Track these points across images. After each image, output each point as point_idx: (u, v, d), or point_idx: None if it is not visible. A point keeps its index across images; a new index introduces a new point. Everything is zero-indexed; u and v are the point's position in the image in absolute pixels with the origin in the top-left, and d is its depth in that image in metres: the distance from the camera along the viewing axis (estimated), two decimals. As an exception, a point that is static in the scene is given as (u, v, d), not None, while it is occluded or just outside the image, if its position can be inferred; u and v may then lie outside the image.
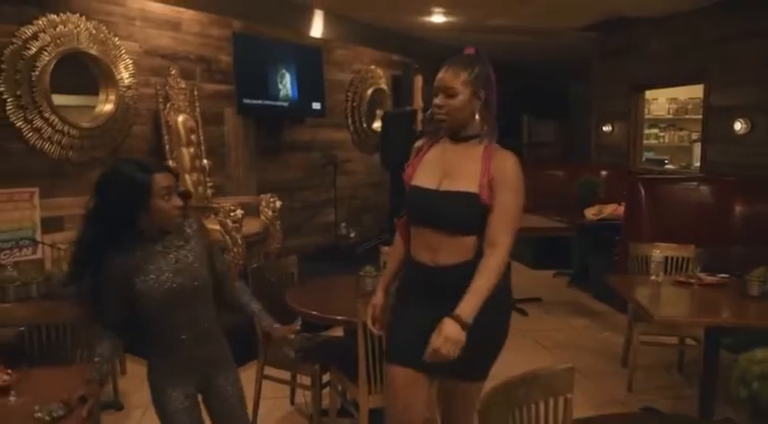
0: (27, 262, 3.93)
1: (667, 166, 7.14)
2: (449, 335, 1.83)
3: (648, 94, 7.27)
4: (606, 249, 5.34)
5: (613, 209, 5.75)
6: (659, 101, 7.53)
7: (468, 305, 1.86)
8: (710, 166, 5.88)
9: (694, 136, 6.93)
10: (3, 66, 3.87)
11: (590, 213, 5.94)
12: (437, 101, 2.00)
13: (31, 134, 4.03)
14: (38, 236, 4.08)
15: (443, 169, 2.03)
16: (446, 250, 1.98)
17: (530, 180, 6.53)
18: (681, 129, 7.47)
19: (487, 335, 2.01)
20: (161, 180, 1.83)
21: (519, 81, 9.57)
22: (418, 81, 7.37)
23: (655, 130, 7.65)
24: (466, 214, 1.96)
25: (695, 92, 6.37)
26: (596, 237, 5.70)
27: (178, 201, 1.87)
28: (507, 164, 1.96)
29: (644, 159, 7.27)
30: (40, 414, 1.68)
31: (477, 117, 1.99)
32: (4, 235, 3.96)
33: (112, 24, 4.47)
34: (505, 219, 1.94)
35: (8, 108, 3.91)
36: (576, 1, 5.84)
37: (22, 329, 2.63)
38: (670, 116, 7.52)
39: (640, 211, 5.09)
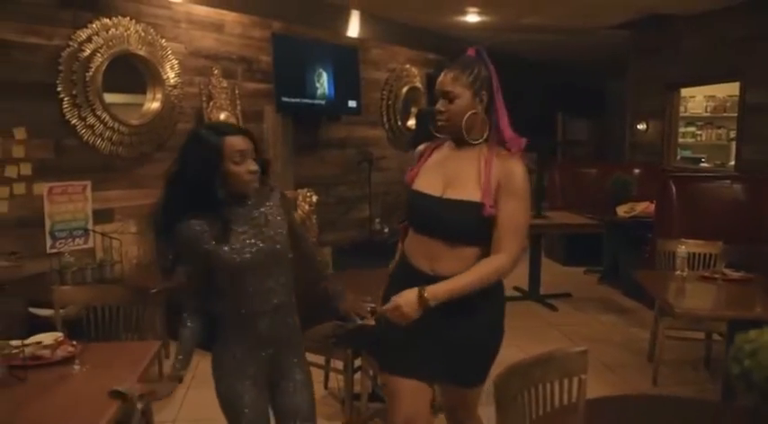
0: (80, 251, 4.19)
1: (702, 165, 7.10)
2: (403, 304, 1.84)
3: (685, 92, 7.24)
4: (637, 246, 5.39)
5: (645, 207, 5.80)
6: (697, 98, 7.48)
7: (440, 289, 1.86)
8: (745, 165, 5.86)
9: (732, 134, 6.88)
10: (60, 68, 4.12)
11: (622, 211, 5.99)
12: (438, 106, 1.96)
13: (84, 130, 4.29)
14: (89, 226, 4.35)
15: (446, 175, 1.98)
16: (446, 259, 1.94)
17: (562, 177, 6.65)
18: (719, 127, 7.41)
19: (482, 342, 2.03)
20: (234, 143, 1.77)
21: (553, 79, 9.59)
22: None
23: (692, 129, 7.61)
24: (468, 223, 1.92)
25: (733, 89, 6.31)
26: (627, 235, 5.74)
27: (251, 165, 1.79)
28: (514, 171, 1.92)
29: (679, 158, 7.24)
30: (121, 389, 1.76)
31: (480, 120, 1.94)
32: (60, 226, 4.23)
33: (160, 27, 4.71)
34: (512, 227, 1.91)
35: (64, 106, 4.17)
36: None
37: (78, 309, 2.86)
38: (708, 114, 7.47)
39: (671, 209, 5.12)
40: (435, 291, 1.84)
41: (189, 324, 1.90)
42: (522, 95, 9.31)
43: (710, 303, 3.23)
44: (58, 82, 4.12)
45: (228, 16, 5.25)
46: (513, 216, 1.91)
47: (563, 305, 5.25)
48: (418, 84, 7.52)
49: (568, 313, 5.09)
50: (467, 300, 1.90)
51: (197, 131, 1.83)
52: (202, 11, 5.04)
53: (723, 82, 6.46)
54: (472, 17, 6.75)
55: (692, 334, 3.82)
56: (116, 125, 4.43)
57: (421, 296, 1.83)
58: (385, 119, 7.22)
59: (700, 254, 3.85)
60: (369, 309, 2.05)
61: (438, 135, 2.03)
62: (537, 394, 1.91)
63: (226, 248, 1.79)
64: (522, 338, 3.88)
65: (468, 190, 1.92)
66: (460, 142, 1.98)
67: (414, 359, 2.00)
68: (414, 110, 7.43)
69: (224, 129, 1.82)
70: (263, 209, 1.88)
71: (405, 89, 7.28)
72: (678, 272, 3.50)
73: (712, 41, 6.16)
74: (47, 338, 2.16)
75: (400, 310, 1.84)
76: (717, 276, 3.42)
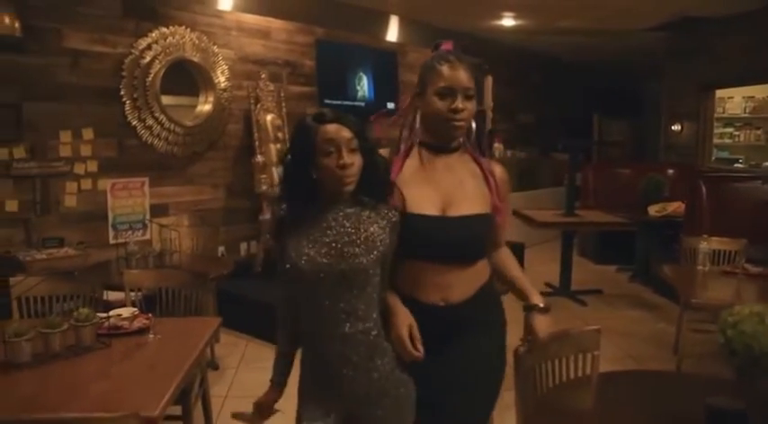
0: (138, 242, 4.55)
1: (737, 166, 7.14)
2: (547, 325, 1.79)
3: (723, 93, 7.28)
4: (668, 245, 5.50)
5: (676, 207, 5.90)
6: (735, 99, 7.50)
7: (537, 294, 1.81)
8: (780, 165, 5.92)
9: (771, 134, 6.92)
10: (123, 73, 4.50)
11: (653, 210, 6.11)
12: (458, 104, 1.68)
13: (143, 131, 4.65)
14: (147, 220, 4.72)
15: (440, 190, 1.74)
16: (461, 283, 1.75)
17: (596, 177, 6.79)
18: (757, 128, 7.42)
19: (483, 371, 1.80)
20: (328, 131, 1.54)
21: (591, 80, 9.69)
22: (489, 81, 7.64)
23: (730, 129, 7.63)
24: (481, 238, 1.78)
25: (770, 90, 6.37)
26: (659, 234, 5.86)
27: (346, 158, 1.53)
28: (504, 175, 1.85)
29: (713, 158, 7.29)
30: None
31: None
32: (121, 218, 4.61)
33: (212, 34, 5.05)
34: (506, 227, 1.89)
35: (126, 109, 4.54)
36: (644, 3, 6.00)
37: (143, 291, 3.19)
38: (746, 114, 7.48)
39: (701, 208, 5.25)
40: (539, 297, 1.80)
41: (281, 329, 1.75)
42: (560, 97, 9.48)
43: (729, 295, 3.39)
44: (121, 86, 4.50)
45: (275, 23, 5.58)
46: (509, 216, 2.01)
47: (593, 301, 5.41)
48: (454, 86, 7.72)
49: (598, 308, 5.25)
50: (468, 331, 1.76)
51: (303, 117, 1.64)
52: (251, 19, 5.37)
53: (758, 83, 6.53)
54: (508, 21, 6.94)
55: (716, 327, 3.95)
56: (172, 126, 4.79)
57: (545, 310, 1.78)
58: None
59: (724, 251, 3.98)
60: None
61: (450, 141, 1.77)
62: (553, 367, 2.13)
63: (300, 250, 1.58)
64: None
65: (472, 203, 1.75)
66: (437, 149, 1.78)
67: (438, 403, 1.72)
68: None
69: (324, 116, 1.58)
70: (354, 218, 1.60)
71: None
72: (700, 267, 3.67)
73: (746, 43, 6.23)
74: (125, 311, 2.49)
75: (547, 329, 1.79)
76: (738, 271, 3.57)
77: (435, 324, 1.69)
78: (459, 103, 1.67)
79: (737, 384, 1.69)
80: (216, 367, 3.91)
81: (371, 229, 1.60)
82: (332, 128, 1.54)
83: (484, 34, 7.69)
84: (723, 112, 7.51)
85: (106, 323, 2.32)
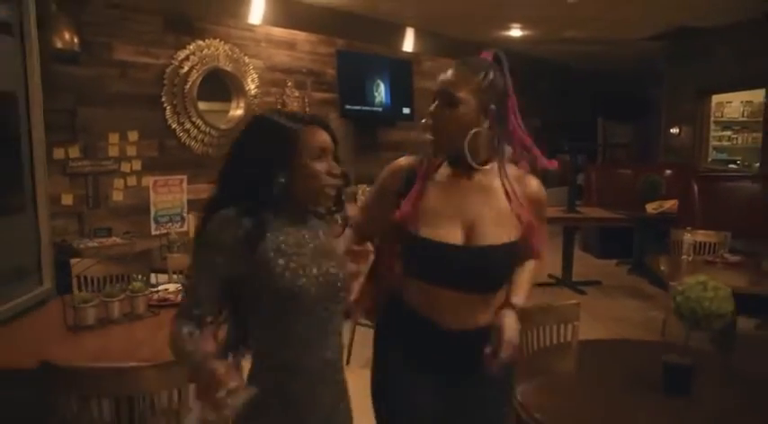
0: (177, 233, 5.04)
1: (731, 166, 7.52)
2: (515, 326, 1.58)
3: (722, 98, 7.67)
4: (662, 239, 5.90)
5: (672, 204, 6.32)
6: (733, 104, 7.89)
7: (522, 295, 1.66)
8: (769, 167, 6.31)
9: (768, 138, 7.28)
10: (164, 82, 4.99)
11: (651, 207, 6.52)
12: (431, 108, 1.58)
13: (182, 134, 5.14)
14: (185, 213, 5.21)
15: (463, 215, 1.59)
16: (480, 311, 1.63)
17: (598, 177, 7.24)
18: (754, 132, 7.78)
19: (502, 398, 1.74)
20: (316, 135, 1.41)
21: (596, 86, 10.09)
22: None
23: (728, 132, 8.01)
24: (507, 268, 1.64)
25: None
26: (654, 229, 6.27)
27: (336, 168, 1.43)
28: (540, 194, 1.67)
29: (710, 159, 7.67)
30: None
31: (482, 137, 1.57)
32: (161, 212, 5.10)
33: (243, 46, 5.55)
34: (540, 252, 1.69)
35: (167, 114, 5.03)
36: (641, 14, 6.39)
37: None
38: (744, 118, 7.85)
39: (693, 205, 5.67)
40: (519, 298, 1.65)
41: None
42: (566, 102, 9.89)
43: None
44: (162, 94, 4.99)
45: (300, 36, 6.07)
46: (545, 232, 1.70)
47: (592, 291, 5.84)
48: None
49: (595, 297, 5.67)
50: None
51: (264, 115, 1.46)
52: (278, 32, 5.86)
53: (751, 88, 6.91)
54: (515, 32, 7.38)
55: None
56: (207, 129, 5.28)
57: (516, 308, 1.63)
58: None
59: (708, 243, 4.39)
60: None
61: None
62: (537, 334, 2.56)
63: (281, 261, 1.37)
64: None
65: (499, 230, 1.59)
66: (463, 166, 1.59)
67: None
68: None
69: (303, 118, 1.44)
70: (322, 229, 1.49)
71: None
72: (684, 256, 4.09)
73: (740, 51, 6.62)
74: (171, 287, 2.96)
75: (515, 332, 1.58)
76: (717, 259, 3.99)
77: (452, 351, 1.62)
78: (433, 108, 1.60)
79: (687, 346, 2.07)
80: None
81: (334, 242, 1.51)
82: (320, 133, 1.43)
83: (493, 43, 8.13)
84: (722, 116, 7.90)
85: (155, 296, 2.79)
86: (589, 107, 10.06)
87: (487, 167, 1.60)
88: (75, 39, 4.26)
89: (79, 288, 3.27)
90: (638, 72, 9.29)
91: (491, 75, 1.58)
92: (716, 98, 7.70)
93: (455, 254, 1.56)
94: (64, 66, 4.28)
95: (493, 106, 1.56)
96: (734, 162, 7.72)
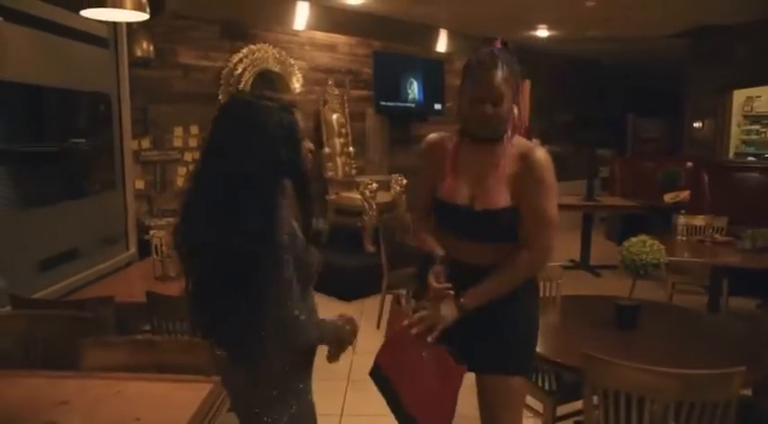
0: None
1: (750, 159, 7.81)
2: (445, 315, 1.79)
3: (751, 92, 7.91)
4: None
5: (687, 194, 6.71)
6: (762, 98, 8.11)
7: (475, 295, 1.81)
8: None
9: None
10: (221, 82, 5.70)
11: (668, 197, 6.92)
12: (486, 110, 1.75)
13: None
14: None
15: (470, 181, 1.85)
16: (488, 254, 1.86)
17: (622, 169, 7.73)
18: (783, 125, 8.02)
19: (514, 329, 1.91)
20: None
21: (627, 81, 10.43)
22: (526, 84, 8.56)
23: (757, 126, 8.26)
24: (502, 228, 1.84)
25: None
26: (668, 217, 6.65)
27: (308, 143, 1.59)
28: (534, 159, 1.80)
29: (737, 152, 7.95)
30: None
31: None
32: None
33: (289, 49, 6.21)
34: (539, 221, 1.81)
35: (223, 110, 5.74)
36: (660, 14, 6.77)
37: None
38: (775, 112, 8.08)
39: (703, 193, 6.07)
40: (468, 297, 1.81)
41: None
42: (597, 97, 10.27)
43: (691, 255, 4.28)
44: (219, 92, 5.70)
45: (340, 39, 6.71)
46: (539, 208, 1.81)
47: (606, 273, 6.30)
48: (496, 89, 8.68)
49: (609, 278, 6.13)
50: (506, 296, 1.85)
51: (260, 104, 1.49)
52: (320, 35, 6.52)
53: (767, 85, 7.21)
54: (542, 32, 7.85)
55: (699, 289, 4.80)
56: (257, 123, 5.96)
57: (459, 305, 1.80)
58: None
59: (703, 226, 4.82)
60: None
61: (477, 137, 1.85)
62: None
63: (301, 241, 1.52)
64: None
65: (496, 197, 1.82)
66: (478, 138, 1.85)
67: (474, 358, 1.86)
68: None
69: (285, 104, 1.56)
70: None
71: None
72: (679, 237, 4.56)
73: (759, 47, 6.93)
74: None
75: (438, 315, 1.78)
76: (707, 240, 4.45)
77: (470, 281, 1.82)
78: (488, 110, 1.75)
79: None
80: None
81: None
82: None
83: (523, 42, 8.61)
84: (751, 111, 8.15)
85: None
86: (620, 102, 10.41)
87: (501, 142, 1.82)
88: (151, 48, 4.98)
89: (156, 254, 3.97)
90: (666, 68, 9.59)
91: (513, 66, 1.78)
92: (745, 92, 7.96)
93: (461, 214, 1.83)
94: (139, 71, 5.01)
95: (512, 86, 1.78)
96: (762, 155, 7.93)
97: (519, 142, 1.85)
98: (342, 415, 3.24)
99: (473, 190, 1.82)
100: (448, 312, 1.77)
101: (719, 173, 6.13)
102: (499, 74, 1.72)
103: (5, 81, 2.81)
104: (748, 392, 2.40)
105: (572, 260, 6.65)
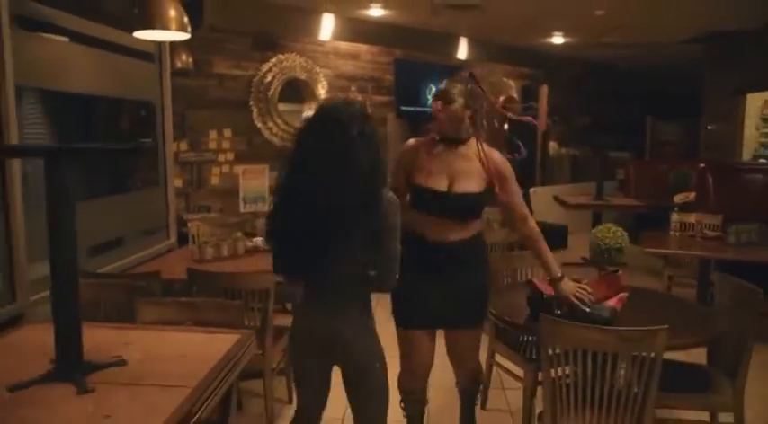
0: (261, 212, 6.22)
1: (761, 161, 8.01)
2: (571, 285, 2.47)
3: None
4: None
5: (695, 195, 6.97)
6: (780, 101, 8.32)
7: (557, 267, 2.47)
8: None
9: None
10: (251, 89, 6.19)
11: (678, 198, 7.19)
12: (436, 106, 2.42)
13: (265, 131, 6.33)
14: (267, 196, 6.39)
15: (450, 172, 2.40)
16: (457, 231, 2.42)
17: (636, 171, 8.08)
18: (801, 129, 8.17)
19: (480, 292, 2.51)
20: None
21: (646, 85, 10.65)
22: (544, 89, 8.91)
23: (774, 129, 8.44)
24: (474, 208, 2.46)
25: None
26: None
27: None
28: (500, 160, 2.45)
29: (753, 155, 8.15)
30: None
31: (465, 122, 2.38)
32: (249, 195, 6.28)
33: (315, 58, 6.69)
34: (519, 199, 2.50)
35: (254, 115, 6.23)
36: (673, 20, 7.01)
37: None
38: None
39: (708, 193, 6.34)
40: (556, 271, 2.46)
41: None
42: (615, 101, 10.52)
43: (680, 249, 4.61)
44: (250, 99, 6.19)
45: (362, 48, 7.16)
46: (515, 191, 2.50)
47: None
48: (514, 94, 9.04)
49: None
50: (463, 263, 2.45)
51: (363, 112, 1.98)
52: (344, 45, 6.98)
53: (779, 88, 7.43)
54: (558, 39, 8.18)
55: (692, 281, 5.11)
56: (285, 127, 6.44)
57: (557, 286, 2.45)
58: (485, 123, 8.82)
59: (697, 223, 5.12)
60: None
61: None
62: (513, 274, 3.50)
63: None
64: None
65: (471, 184, 2.40)
66: (452, 141, 2.43)
67: (427, 314, 2.46)
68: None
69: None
70: None
71: (501, 99, 8.84)
72: (672, 232, 4.89)
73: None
74: (259, 240, 4.08)
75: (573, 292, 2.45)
76: (698, 235, 4.77)
77: (439, 256, 2.41)
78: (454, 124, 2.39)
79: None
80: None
81: None
82: None
83: (541, 48, 8.96)
84: (769, 115, 8.34)
85: (251, 244, 3.92)
86: (638, 106, 10.65)
87: (467, 144, 2.42)
88: (189, 59, 5.48)
89: (194, 242, 4.47)
90: (684, 71, 9.82)
91: (469, 84, 2.39)
92: (763, 96, 8.14)
93: (441, 196, 2.38)
94: (179, 80, 5.52)
95: (472, 104, 2.39)
96: (772, 157, 8.13)
97: (484, 147, 2.43)
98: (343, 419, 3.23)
99: (451, 180, 2.39)
100: (567, 287, 2.46)
101: (724, 174, 6.39)
102: (452, 84, 2.40)
103: (71, 93, 3.33)
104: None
105: (583, 258, 6.97)
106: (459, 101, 2.35)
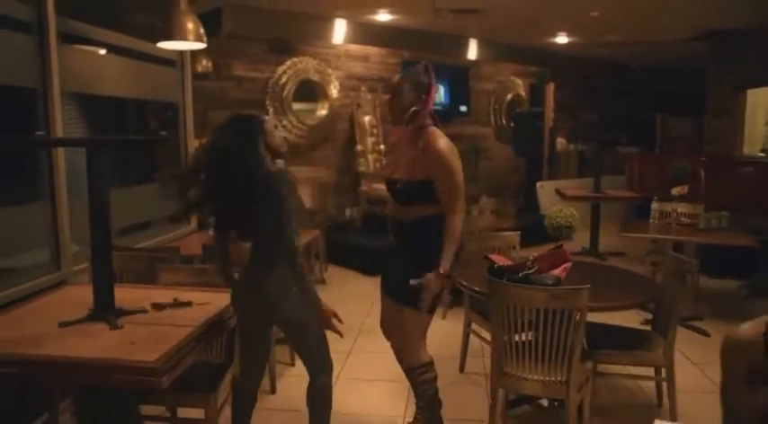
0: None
1: (759, 154, 8.28)
2: (428, 285, 2.54)
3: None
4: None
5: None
6: (789, 97, 8.55)
7: (446, 263, 2.53)
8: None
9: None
10: (268, 90, 6.71)
11: (676, 191, 7.50)
12: (387, 96, 2.75)
13: (281, 128, 6.84)
14: (283, 189, 6.89)
15: (395, 160, 2.72)
16: (402, 212, 2.66)
17: (640, 166, 8.51)
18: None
19: (399, 269, 2.67)
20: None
21: (655, 82, 10.91)
22: (550, 87, 9.27)
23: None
24: (413, 193, 2.60)
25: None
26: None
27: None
28: (431, 146, 2.54)
29: (757, 151, 8.41)
30: None
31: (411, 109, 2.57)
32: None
33: (327, 60, 7.18)
34: (446, 192, 2.53)
35: (270, 114, 6.74)
36: (671, 19, 7.27)
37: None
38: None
39: (699, 186, 6.67)
40: (442, 265, 2.53)
41: None
42: (624, 97, 10.81)
43: (653, 232, 4.97)
44: (266, 99, 6.71)
45: (372, 50, 7.63)
46: (443, 182, 2.53)
47: (613, 259, 6.97)
48: (521, 92, 9.43)
49: (614, 262, 6.80)
50: (404, 241, 2.68)
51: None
52: (355, 48, 7.46)
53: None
54: (562, 39, 8.54)
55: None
56: (299, 125, 6.95)
57: (438, 275, 2.53)
58: (492, 120, 9.24)
59: (680, 212, 5.46)
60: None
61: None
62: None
63: None
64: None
65: (407, 172, 2.60)
66: (402, 127, 2.67)
67: (384, 283, 2.84)
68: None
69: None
70: None
71: (509, 96, 9.26)
72: (651, 220, 5.26)
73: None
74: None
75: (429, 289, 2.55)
76: (674, 222, 5.14)
77: (393, 231, 2.73)
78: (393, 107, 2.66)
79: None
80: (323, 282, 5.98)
81: None
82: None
83: (548, 47, 9.31)
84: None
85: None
86: (648, 102, 10.92)
87: (420, 133, 2.58)
88: (209, 64, 6.02)
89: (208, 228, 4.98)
90: (691, 68, 10.06)
91: (420, 76, 2.59)
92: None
93: (387, 182, 2.69)
94: (200, 83, 6.05)
95: (420, 94, 2.58)
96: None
97: (429, 135, 2.58)
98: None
99: (399, 168, 2.64)
100: (432, 282, 2.53)
101: (717, 168, 6.72)
102: (403, 76, 2.62)
103: (106, 96, 3.89)
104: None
105: (583, 247, 7.35)
106: (409, 91, 2.55)
